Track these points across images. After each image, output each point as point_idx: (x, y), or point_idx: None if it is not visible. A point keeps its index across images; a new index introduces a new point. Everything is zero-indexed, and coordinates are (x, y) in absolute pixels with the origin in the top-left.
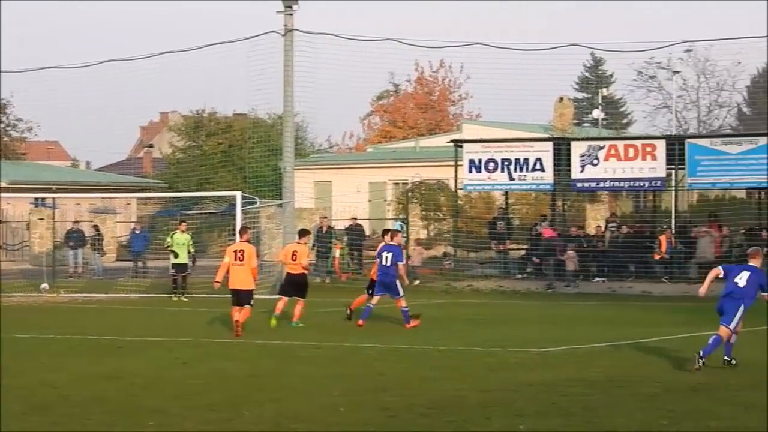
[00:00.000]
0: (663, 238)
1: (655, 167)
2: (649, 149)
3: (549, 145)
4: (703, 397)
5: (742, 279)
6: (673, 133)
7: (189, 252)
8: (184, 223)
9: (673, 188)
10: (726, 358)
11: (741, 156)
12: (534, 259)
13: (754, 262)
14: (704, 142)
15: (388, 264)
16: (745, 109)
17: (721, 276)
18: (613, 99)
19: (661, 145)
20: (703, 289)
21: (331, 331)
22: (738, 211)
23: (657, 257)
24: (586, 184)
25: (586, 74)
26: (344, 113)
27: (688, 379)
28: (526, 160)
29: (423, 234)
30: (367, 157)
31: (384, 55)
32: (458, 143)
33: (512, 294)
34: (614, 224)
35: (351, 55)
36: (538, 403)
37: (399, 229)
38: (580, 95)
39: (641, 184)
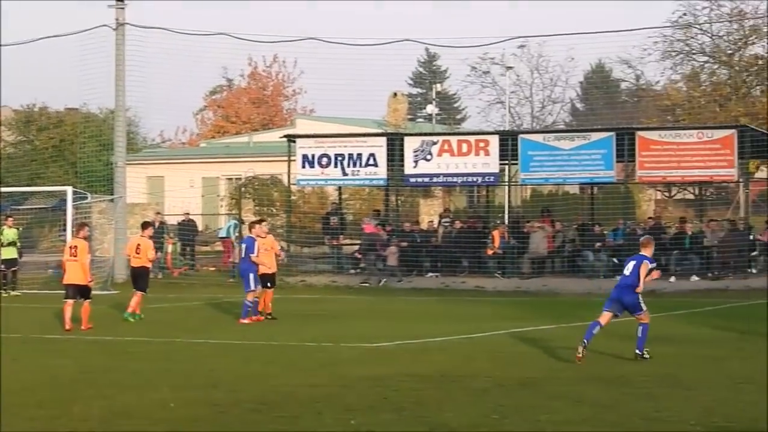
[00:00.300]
0: (496, 233)
1: (488, 162)
2: (482, 144)
3: (382, 141)
4: (533, 392)
5: (627, 269)
6: (507, 129)
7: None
8: (11, 218)
9: (507, 183)
10: (637, 351)
11: (573, 151)
12: (356, 254)
13: (645, 251)
14: (537, 138)
15: (243, 255)
16: (578, 105)
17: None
18: (447, 94)
19: (494, 141)
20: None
21: (163, 327)
22: (571, 206)
23: (490, 252)
24: (420, 180)
25: (421, 70)
26: (177, 108)
27: (518, 373)
28: (359, 156)
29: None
30: (200, 152)
31: (217, 49)
32: (291, 138)
33: (345, 289)
34: (448, 219)
35: (184, 49)
36: (369, 398)
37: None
38: (415, 90)
39: (474, 179)
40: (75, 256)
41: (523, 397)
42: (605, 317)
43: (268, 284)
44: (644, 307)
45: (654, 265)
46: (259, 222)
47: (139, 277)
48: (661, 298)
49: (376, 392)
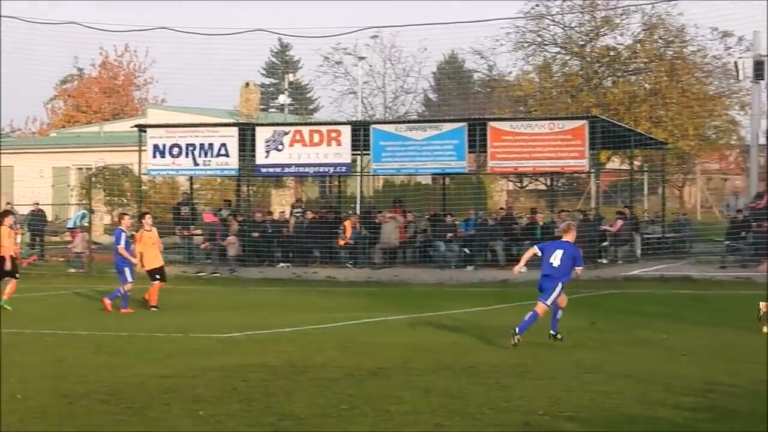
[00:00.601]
0: (348, 223)
1: (340, 153)
2: (334, 135)
3: (234, 131)
4: (383, 381)
5: (556, 258)
6: (359, 119)
7: None
8: None
9: (359, 174)
10: (552, 332)
11: (426, 142)
12: (203, 245)
13: (568, 237)
14: (389, 128)
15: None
16: (431, 96)
17: (539, 255)
18: (300, 85)
19: (346, 131)
20: (516, 268)
21: (11, 318)
22: (423, 197)
23: (342, 242)
24: (271, 170)
25: (273, 60)
26: (27, 98)
27: (369, 363)
28: (210, 146)
29: (107, 220)
30: (50, 142)
31: (68, 38)
32: (142, 128)
33: (196, 280)
34: (299, 209)
35: (33, 38)
36: (218, 388)
37: (83, 216)
38: (267, 81)
39: (326, 169)
40: None
41: (372, 387)
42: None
43: (158, 277)
44: (550, 302)
45: (580, 260)
46: (143, 216)
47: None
48: (513, 289)
49: (225, 383)
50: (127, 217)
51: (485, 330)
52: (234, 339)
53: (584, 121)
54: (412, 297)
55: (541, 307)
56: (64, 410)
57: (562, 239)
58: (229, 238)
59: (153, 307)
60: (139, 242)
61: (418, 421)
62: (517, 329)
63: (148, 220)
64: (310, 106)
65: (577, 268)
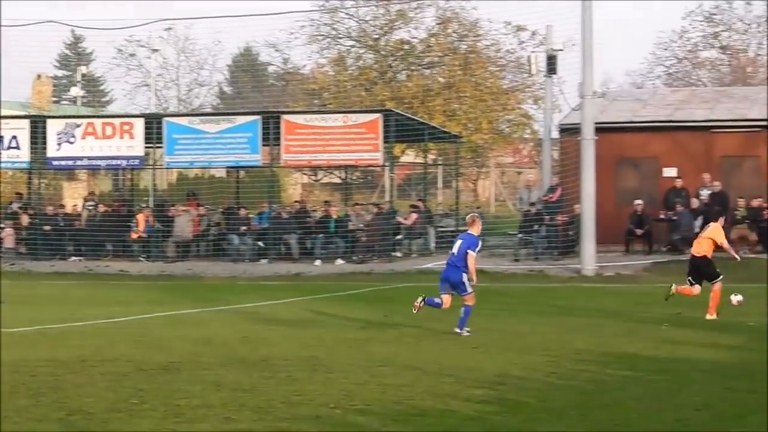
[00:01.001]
0: (141, 216)
1: (133, 145)
2: (127, 127)
3: (25, 123)
4: (174, 376)
5: (455, 247)
6: (152, 112)
7: None
8: None
9: (152, 167)
10: (457, 330)
11: (219, 135)
12: None
13: (472, 230)
14: (182, 121)
15: None
16: (225, 88)
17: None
18: (94, 77)
19: (139, 124)
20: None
21: None
22: (217, 190)
23: (135, 236)
24: (63, 162)
25: (66, 51)
26: None
27: (160, 357)
28: (0, 138)
29: None
30: None
31: None
32: None
33: None
34: (92, 203)
35: None
36: (5, 383)
37: None
38: (60, 73)
39: (119, 162)
40: None
41: (163, 382)
42: (445, 300)
43: None
44: (469, 290)
45: (478, 247)
46: None
47: None
48: (306, 282)
49: (13, 378)
50: None
51: (277, 323)
52: (23, 333)
53: (378, 115)
54: (205, 290)
55: (470, 299)
56: None
57: (468, 231)
58: (5, 230)
59: None
60: None
61: (208, 415)
62: (458, 329)
63: None
64: (104, 99)
65: (469, 251)
